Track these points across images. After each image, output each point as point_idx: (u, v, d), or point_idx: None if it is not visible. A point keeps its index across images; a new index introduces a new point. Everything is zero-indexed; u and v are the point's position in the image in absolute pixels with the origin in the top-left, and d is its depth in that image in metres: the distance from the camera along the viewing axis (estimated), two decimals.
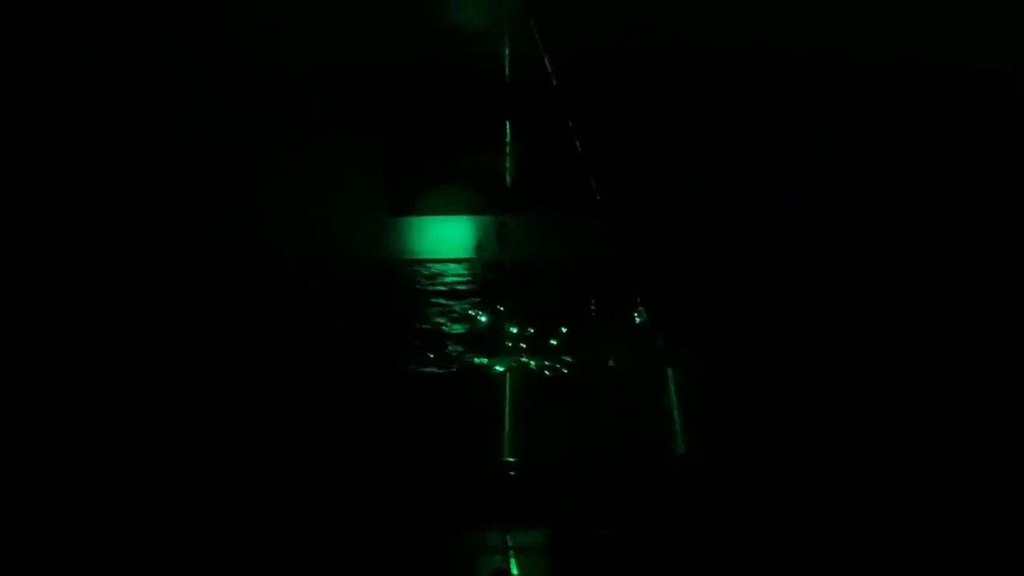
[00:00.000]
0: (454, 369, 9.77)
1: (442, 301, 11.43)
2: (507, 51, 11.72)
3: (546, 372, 9.45)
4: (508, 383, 9.13)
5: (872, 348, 8.25)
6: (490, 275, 11.82)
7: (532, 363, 9.64)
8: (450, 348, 10.30)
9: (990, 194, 10.10)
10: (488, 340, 10.42)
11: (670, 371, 8.49)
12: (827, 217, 10.54)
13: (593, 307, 10.31)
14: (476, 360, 9.85)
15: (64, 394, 7.59)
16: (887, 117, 10.81)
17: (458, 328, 10.77)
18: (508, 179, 11.57)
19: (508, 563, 6.25)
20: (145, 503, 6.04)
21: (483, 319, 10.83)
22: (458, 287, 11.71)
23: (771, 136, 11.27)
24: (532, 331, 10.19)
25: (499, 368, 9.62)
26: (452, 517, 6.51)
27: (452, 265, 12.04)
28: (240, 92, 10.32)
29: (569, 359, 9.60)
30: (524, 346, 10.04)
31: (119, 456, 6.72)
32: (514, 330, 10.31)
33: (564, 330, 9.99)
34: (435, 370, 9.75)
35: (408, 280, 11.78)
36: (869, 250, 10.05)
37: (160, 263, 9.78)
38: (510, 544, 6.51)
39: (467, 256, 12.10)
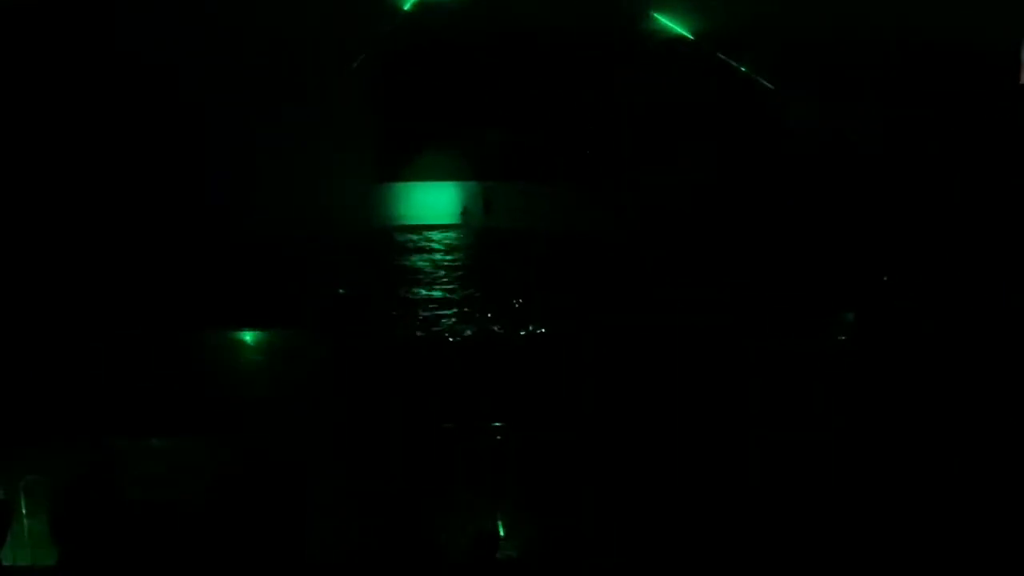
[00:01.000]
0: (436, 334, 9.88)
1: (427, 267, 11.53)
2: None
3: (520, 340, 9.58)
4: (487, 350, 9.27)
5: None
6: (475, 242, 11.91)
7: (506, 330, 9.77)
8: (433, 314, 10.43)
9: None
10: (470, 306, 10.55)
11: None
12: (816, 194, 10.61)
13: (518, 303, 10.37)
14: (457, 326, 9.98)
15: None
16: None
17: (441, 294, 10.88)
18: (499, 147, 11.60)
19: (495, 524, 6.44)
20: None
21: (466, 285, 10.95)
22: (442, 254, 11.80)
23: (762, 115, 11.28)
24: (516, 301, 10.31)
25: (468, 333, 9.77)
26: (435, 477, 6.66)
27: (437, 232, 12.11)
28: (228, 61, 10.24)
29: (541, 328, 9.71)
30: (502, 314, 10.17)
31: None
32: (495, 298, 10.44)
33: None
34: (419, 335, 9.87)
35: (393, 246, 11.85)
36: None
37: (152, 228, 9.79)
38: (497, 508, 6.70)
39: (453, 223, 12.18)
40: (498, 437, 7.49)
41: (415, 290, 11.06)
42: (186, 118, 10.33)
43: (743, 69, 11.24)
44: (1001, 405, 6.24)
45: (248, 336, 8.63)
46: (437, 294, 10.98)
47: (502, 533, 5.09)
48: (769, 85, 11.17)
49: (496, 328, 10.11)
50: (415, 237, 12.07)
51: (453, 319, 10.38)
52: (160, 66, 10.14)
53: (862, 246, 10.25)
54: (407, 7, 11.40)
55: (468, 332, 10.07)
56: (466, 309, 10.60)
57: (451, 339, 9.91)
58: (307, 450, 6.62)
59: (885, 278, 10.23)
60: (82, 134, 10.05)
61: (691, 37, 11.39)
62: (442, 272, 11.49)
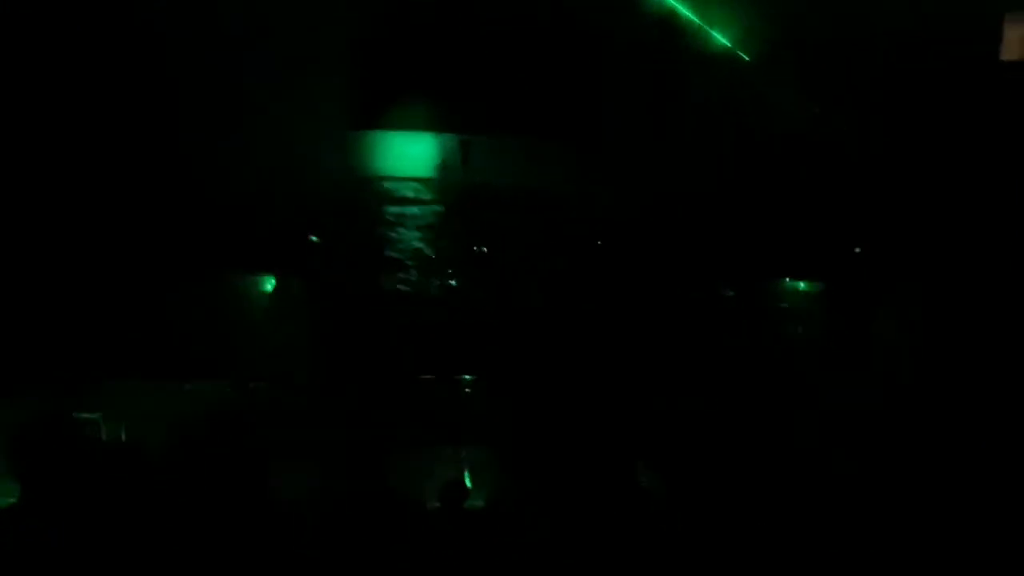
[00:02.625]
0: (406, 286, 9.85)
1: (400, 219, 11.42)
2: None
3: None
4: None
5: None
6: (450, 196, 11.80)
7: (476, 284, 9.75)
8: (408, 265, 10.37)
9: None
10: (442, 259, 10.50)
11: None
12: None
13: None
14: (427, 279, 9.95)
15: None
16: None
17: (415, 246, 10.81)
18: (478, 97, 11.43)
19: (462, 475, 6.48)
20: None
21: (439, 239, 10.87)
22: (417, 207, 11.67)
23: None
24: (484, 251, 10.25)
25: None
26: (402, 428, 6.67)
27: (412, 183, 11.97)
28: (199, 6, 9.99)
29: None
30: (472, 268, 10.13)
31: None
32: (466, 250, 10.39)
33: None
34: (389, 286, 9.83)
35: (367, 197, 11.70)
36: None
37: (127, 180, 9.59)
38: (463, 457, 6.75)
39: (429, 175, 12.03)
40: (466, 390, 7.52)
41: (387, 241, 10.97)
42: (154, 66, 10.07)
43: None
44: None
45: (219, 283, 8.54)
46: (409, 246, 10.91)
47: (469, 484, 5.10)
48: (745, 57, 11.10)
49: (465, 281, 10.09)
50: (389, 188, 11.93)
51: (424, 272, 10.33)
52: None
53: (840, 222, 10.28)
54: None
55: (438, 285, 10.04)
56: (438, 262, 10.55)
57: (421, 291, 9.88)
58: (273, 397, 6.59)
59: (857, 249, 10.30)
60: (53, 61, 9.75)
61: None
62: (415, 225, 11.40)
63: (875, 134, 10.64)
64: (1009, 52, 10.62)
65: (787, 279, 9.66)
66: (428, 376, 7.53)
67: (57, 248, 8.42)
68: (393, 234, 11.17)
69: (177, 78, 10.06)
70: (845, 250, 10.10)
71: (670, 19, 11.14)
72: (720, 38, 11.16)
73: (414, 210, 11.65)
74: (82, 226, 8.92)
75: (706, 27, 11.14)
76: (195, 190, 9.59)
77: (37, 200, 8.97)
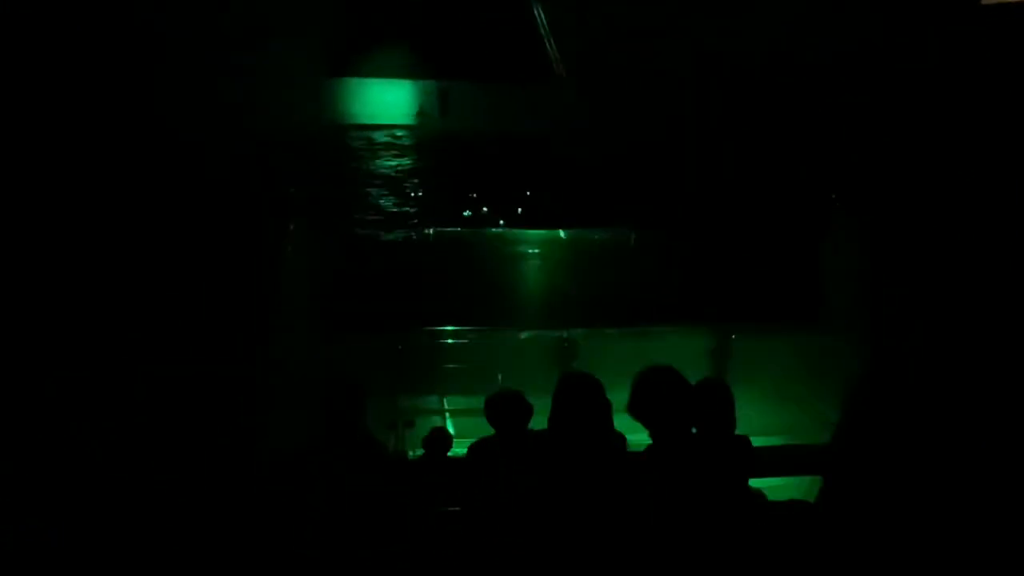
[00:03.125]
0: (388, 235, 9.81)
1: (378, 169, 11.33)
2: None
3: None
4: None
5: None
6: (429, 144, 11.69)
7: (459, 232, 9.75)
8: (385, 215, 10.32)
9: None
10: (423, 207, 10.45)
11: None
12: None
13: None
14: (409, 227, 9.91)
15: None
16: None
17: (393, 195, 10.75)
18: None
19: (445, 424, 6.54)
20: None
21: (419, 187, 10.80)
22: (394, 155, 11.57)
23: None
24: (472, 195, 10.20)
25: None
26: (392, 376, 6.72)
27: (389, 131, 11.85)
28: None
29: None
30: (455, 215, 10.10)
31: None
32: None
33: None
34: (370, 235, 9.77)
35: (344, 145, 11.58)
36: None
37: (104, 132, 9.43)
38: (447, 407, 6.81)
39: (407, 123, 11.91)
40: (448, 340, 7.54)
41: (366, 191, 10.90)
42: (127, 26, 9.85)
43: None
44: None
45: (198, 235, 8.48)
46: (390, 196, 10.85)
47: (452, 431, 5.16)
48: None
49: (448, 229, 10.06)
50: (368, 136, 11.81)
51: (405, 220, 10.29)
52: None
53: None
54: None
55: (419, 233, 10.01)
56: (419, 210, 10.51)
57: (401, 239, 9.85)
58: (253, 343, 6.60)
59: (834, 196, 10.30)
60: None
61: None
62: (394, 173, 11.32)
63: (856, 78, 10.63)
64: None
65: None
66: (407, 325, 7.53)
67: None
68: (374, 182, 11.10)
69: (151, 32, 9.86)
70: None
71: None
72: None
73: (393, 159, 11.57)
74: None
75: None
76: (169, 145, 9.46)
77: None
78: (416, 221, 10.06)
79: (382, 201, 10.64)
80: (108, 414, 5.79)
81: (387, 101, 11.81)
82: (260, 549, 3.83)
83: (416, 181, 11.04)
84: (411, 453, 5.62)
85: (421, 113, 11.87)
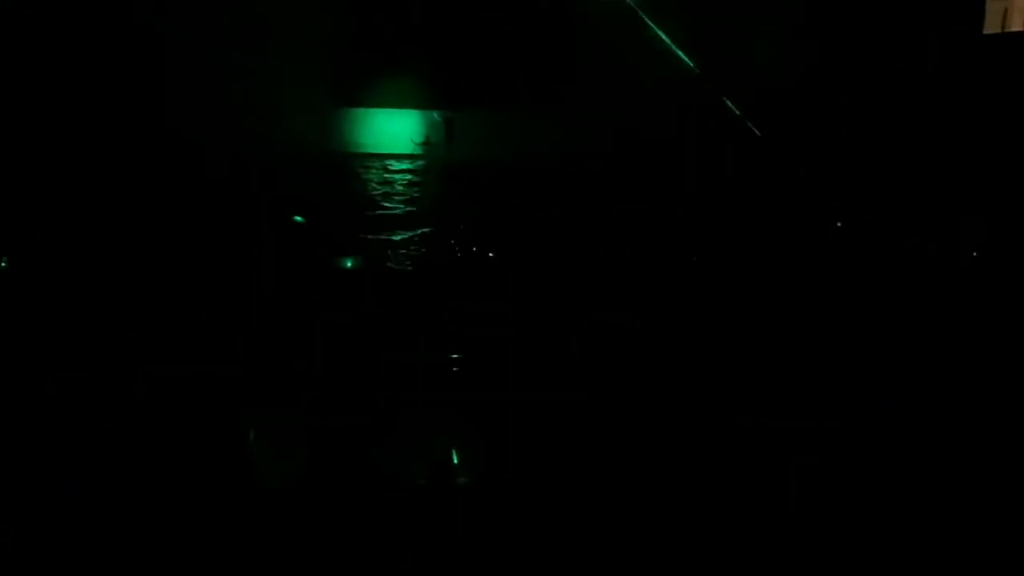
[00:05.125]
0: (392, 264, 9.85)
1: (384, 196, 11.38)
2: None
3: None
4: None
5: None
6: (434, 172, 11.76)
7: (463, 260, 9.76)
8: (390, 243, 10.36)
9: None
10: (427, 236, 10.49)
11: None
12: None
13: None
14: (413, 256, 9.94)
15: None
16: None
17: (398, 223, 10.79)
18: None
19: (451, 454, 6.51)
20: None
21: (423, 215, 10.85)
22: (401, 183, 11.64)
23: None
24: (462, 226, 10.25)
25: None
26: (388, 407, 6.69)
27: (395, 160, 11.92)
28: None
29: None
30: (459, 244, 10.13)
31: None
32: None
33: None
34: (374, 263, 9.81)
35: (350, 173, 11.65)
36: None
37: (112, 158, 9.51)
38: (453, 435, 6.77)
39: (412, 151, 11.99)
40: (454, 368, 7.52)
41: (371, 218, 10.95)
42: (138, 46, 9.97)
43: None
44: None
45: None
46: (395, 223, 10.89)
47: (456, 461, 5.14)
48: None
49: (452, 257, 10.08)
50: (373, 165, 11.89)
51: (410, 248, 10.32)
52: None
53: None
54: None
55: (424, 261, 10.04)
56: (423, 239, 10.54)
57: (407, 269, 9.87)
58: (255, 376, 6.59)
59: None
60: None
61: None
62: (400, 201, 11.38)
63: (858, 109, 10.67)
64: (991, 25, 10.65)
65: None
66: (409, 353, 7.52)
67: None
68: (379, 210, 11.16)
69: (162, 58, 9.98)
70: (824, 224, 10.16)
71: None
72: None
73: (400, 187, 11.63)
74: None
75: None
76: (176, 170, 9.53)
77: None
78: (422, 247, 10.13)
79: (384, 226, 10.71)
80: (108, 414, 5.79)
81: (392, 130, 11.91)
82: (260, 549, 3.80)
83: (422, 208, 11.11)
84: (416, 483, 5.60)
85: (427, 142, 11.97)
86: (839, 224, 10.34)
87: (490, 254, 9.90)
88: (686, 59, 11.10)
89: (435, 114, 11.80)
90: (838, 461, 5.05)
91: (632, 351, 7.42)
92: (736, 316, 7.93)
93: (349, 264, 9.49)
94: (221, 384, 6.16)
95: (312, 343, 7.10)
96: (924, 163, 10.16)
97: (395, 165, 11.85)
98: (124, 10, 9.90)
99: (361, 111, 11.76)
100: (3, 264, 7.95)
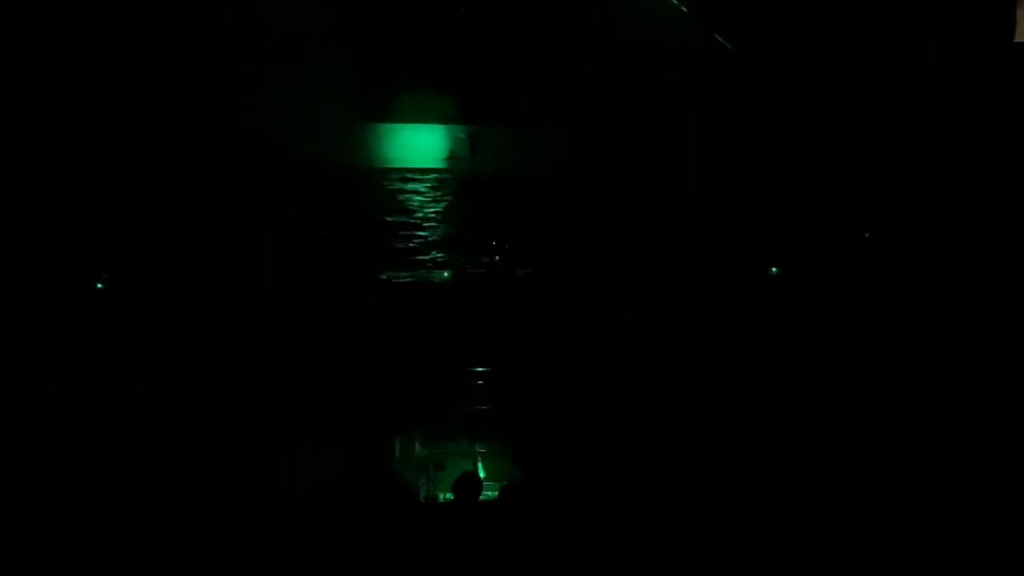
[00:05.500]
0: (421, 277, 9.86)
1: (410, 210, 11.42)
2: None
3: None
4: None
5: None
6: (460, 186, 11.79)
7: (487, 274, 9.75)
8: (417, 257, 10.38)
9: None
10: (453, 249, 10.51)
11: None
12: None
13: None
14: (438, 269, 9.95)
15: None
16: None
17: (426, 235, 10.82)
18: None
19: (476, 467, 6.49)
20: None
21: (449, 229, 10.87)
22: (427, 197, 11.68)
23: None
24: (493, 244, 10.25)
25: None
26: (420, 419, 6.68)
27: (422, 175, 11.97)
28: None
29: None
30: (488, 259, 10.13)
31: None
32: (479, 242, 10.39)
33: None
34: (405, 278, 9.83)
35: (377, 188, 11.71)
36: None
37: (136, 172, 9.62)
38: (477, 450, 6.75)
39: (438, 166, 12.03)
40: (479, 382, 7.51)
41: (397, 233, 10.99)
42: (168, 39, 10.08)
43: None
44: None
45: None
46: (419, 236, 10.92)
47: (483, 475, 5.11)
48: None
49: (477, 271, 10.08)
50: (398, 179, 11.94)
51: (435, 262, 10.34)
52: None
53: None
54: None
55: (448, 275, 10.04)
56: (449, 253, 10.55)
57: (432, 282, 9.89)
58: (278, 391, 6.61)
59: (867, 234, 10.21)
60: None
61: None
62: (425, 215, 11.41)
63: (886, 118, 10.56)
64: (1021, 35, 10.51)
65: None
66: (435, 367, 7.52)
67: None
68: (402, 224, 11.19)
69: (188, 71, 10.09)
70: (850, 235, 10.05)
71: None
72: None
73: (426, 200, 11.67)
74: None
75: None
76: (204, 185, 9.62)
77: None
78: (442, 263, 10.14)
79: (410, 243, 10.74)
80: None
81: (418, 145, 11.97)
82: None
83: (444, 222, 11.13)
84: (441, 496, 5.57)
85: (451, 156, 12.02)
86: (842, 225, 10.25)
87: (516, 267, 9.90)
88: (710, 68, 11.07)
89: (460, 128, 11.86)
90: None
91: (654, 354, 7.40)
92: (738, 317, 7.91)
93: (373, 276, 9.52)
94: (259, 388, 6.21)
95: (334, 351, 7.12)
96: (933, 165, 10.05)
97: (419, 179, 11.90)
98: (149, 25, 10.03)
99: (386, 126, 11.84)
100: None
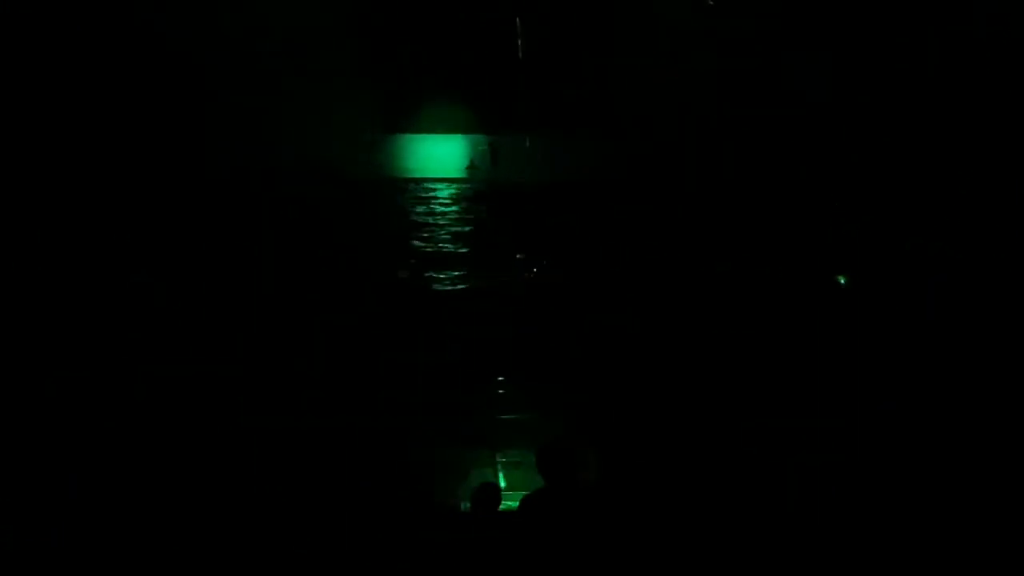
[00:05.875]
0: (443, 286, 9.91)
1: (431, 220, 11.50)
2: None
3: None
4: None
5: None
6: (481, 195, 11.86)
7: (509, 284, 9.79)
8: (439, 265, 10.44)
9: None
10: (474, 260, 10.56)
11: None
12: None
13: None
14: (460, 280, 10.00)
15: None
16: None
17: (447, 248, 10.88)
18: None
19: (496, 476, 6.53)
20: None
21: (470, 238, 10.93)
22: (449, 206, 11.76)
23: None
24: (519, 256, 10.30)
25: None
26: (443, 427, 6.72)
27: (443, 184, 12.06)
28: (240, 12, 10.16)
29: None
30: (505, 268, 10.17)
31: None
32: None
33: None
34: (428, 286, 9.89)
35: (400, 198, 11.81)
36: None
37: (163, 180, 9.76)
38: (498, 460, 6.79)
39: (459, 175, 12.12)
40: (500, 391, 7.56)
41: (418, 243, 11.07)
42: (194, 50, 10.22)
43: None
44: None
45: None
46: (442, 247, 10.98)
47: (503, 484, 5.15)
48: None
49: (499, 281, 10.13)
50: (419, 189, 12.04)
51: (456, 273, 10.40)
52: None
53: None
54: None
55: (470, 285, 10.09)
56: (470, 263, 10.61)
57: (453, 292, 9.94)
58: (306, 400, 6.68)
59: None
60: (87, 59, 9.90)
61: None
62: (446, 225, 11.49)
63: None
64: None
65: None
66: (457, 377, 7.57)
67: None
68: (428, 233, 11.27)
69: (220, 86, 10.24)
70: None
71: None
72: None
73: (450, 208, 11.76)
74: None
75: None
76: (232, 195, 9.74)
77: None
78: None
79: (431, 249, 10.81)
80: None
81: (439, 155, 12.07)
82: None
83: (466, 231, 11.20)
84: (463, 506, 5.61)
85: (472, 166, 12.10)
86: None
87: (537, 272, 9.93)
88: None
89: (481, 139, 11.94)
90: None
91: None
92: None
93: (393, 281, 9.59)
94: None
95: (356, 355, 7.18)
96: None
97: (442, 188, 11.99)
98: (173, 47, 10.18)
99: (408, 136, 11.95)
100: None
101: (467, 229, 11.38)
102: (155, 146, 10.07)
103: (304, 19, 10.66)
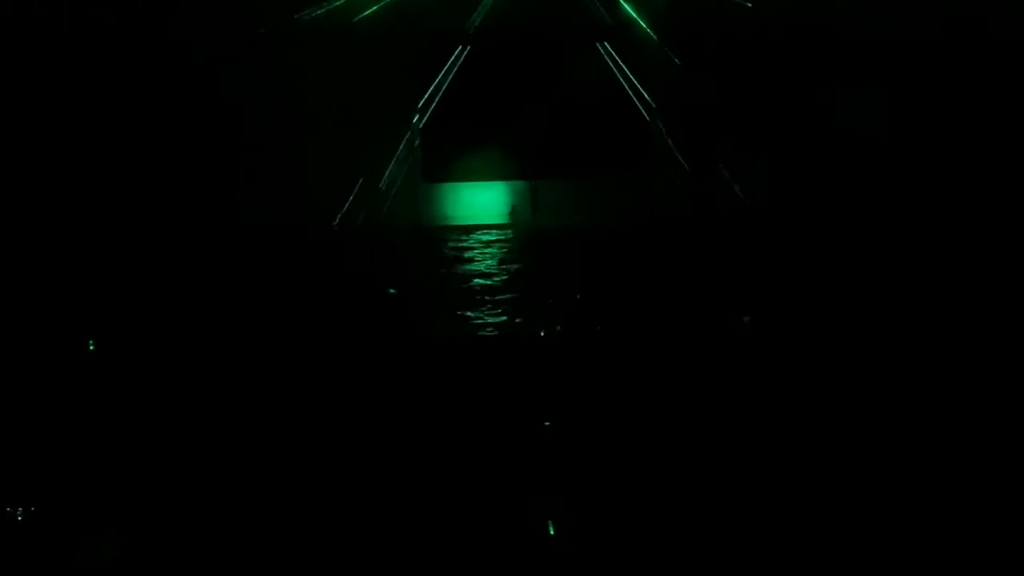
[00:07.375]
0: (486, 333, 9.88)
1: (474, 267, 11.54)
2: None
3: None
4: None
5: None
6: (522, 240, 11.89)
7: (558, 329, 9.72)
8: (482, 312, 10.42)
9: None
10: (520, 305, 10.53)
11: None
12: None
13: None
14: (507, 325, 9.97)
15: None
16: None
17: (490, 293, 10.88)
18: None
19: (546, 524, 6.39)
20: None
21: (514, 284, 10.93)
22: (490, 252, 11.80)
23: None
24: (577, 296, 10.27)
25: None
26: (490, 470, 6.62)
27: (485, 231, 12.11)
28: (279, 59, 10.42)
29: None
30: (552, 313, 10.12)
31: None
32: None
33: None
34: (471, 333, 9.87)
35: (442, 245, 11.88)
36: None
37: (202, 226, 9.95)
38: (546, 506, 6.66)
39: (501, 221, 12.18)
40: (547, 437, 7.43)
41: (463, 289, 11.09)
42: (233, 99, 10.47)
43: None
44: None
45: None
46: (486, 292, 10.99)
47: (552, 532, 5.04)
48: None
49: (546, 327, 10.06)
50: (463, 236, 12.11)
51: (502, 318, 10.36)
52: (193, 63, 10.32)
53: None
54: None
55: (518, 331, 10.04)
56: (515, 308, 10.57)
57: (501, 338, 9.89)
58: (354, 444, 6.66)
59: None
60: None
61: None
62: (491, 271, 11.50)
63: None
64: None
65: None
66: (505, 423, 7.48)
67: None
68: (472, 276, 11.30)
69: (256, 138, 10.46)
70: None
71: None
72: None
73: (492, 250, 11.79)
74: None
75: None
76: (282, 244, 9.87)
77: None
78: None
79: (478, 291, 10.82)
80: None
81: (479, 202, 12.18)
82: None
83: (510, 276, 11.21)
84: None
85: (513, 212, 12.18)
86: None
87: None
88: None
89: (521, 184, 12.04)
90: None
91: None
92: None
93: (439, 333, 9.58)
94: None
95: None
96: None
97: (487, 233, 12.06)
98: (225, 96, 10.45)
99: (449, 185, 12.10)
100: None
101: (513, 274, 11.37)
102: (203, 197, 10.30)
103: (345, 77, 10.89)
